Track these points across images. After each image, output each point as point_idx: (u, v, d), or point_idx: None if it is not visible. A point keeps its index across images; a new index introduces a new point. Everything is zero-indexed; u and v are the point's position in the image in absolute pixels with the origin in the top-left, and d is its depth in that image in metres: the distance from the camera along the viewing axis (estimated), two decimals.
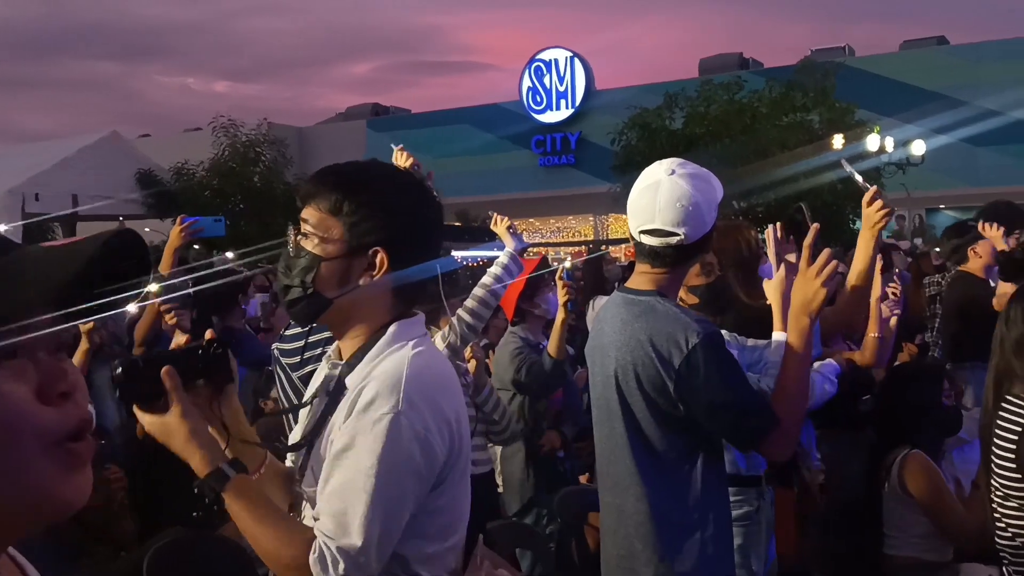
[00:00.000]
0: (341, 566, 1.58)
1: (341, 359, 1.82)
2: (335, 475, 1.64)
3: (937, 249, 9.75)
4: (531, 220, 32.54)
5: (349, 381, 1.73)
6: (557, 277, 4.34)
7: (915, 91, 27.09)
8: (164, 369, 1.63)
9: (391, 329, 1.75)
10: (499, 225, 3.85)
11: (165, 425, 1.64)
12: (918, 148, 17.42)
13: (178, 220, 4.04)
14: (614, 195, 16.02)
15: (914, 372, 3.94)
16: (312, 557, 1.60)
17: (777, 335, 2.85)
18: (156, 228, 16.97)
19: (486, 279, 3.65)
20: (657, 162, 2.52)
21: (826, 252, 2.28)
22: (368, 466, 1.60)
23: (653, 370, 2.39)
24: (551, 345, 4.39)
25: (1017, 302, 2.49)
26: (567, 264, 4.45)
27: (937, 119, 23.16)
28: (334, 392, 1.77)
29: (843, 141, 15.10)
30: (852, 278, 3.26)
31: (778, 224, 3.15)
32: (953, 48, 29.84)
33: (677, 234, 2.40)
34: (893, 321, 4.38)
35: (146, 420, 1.66)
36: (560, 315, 4.35)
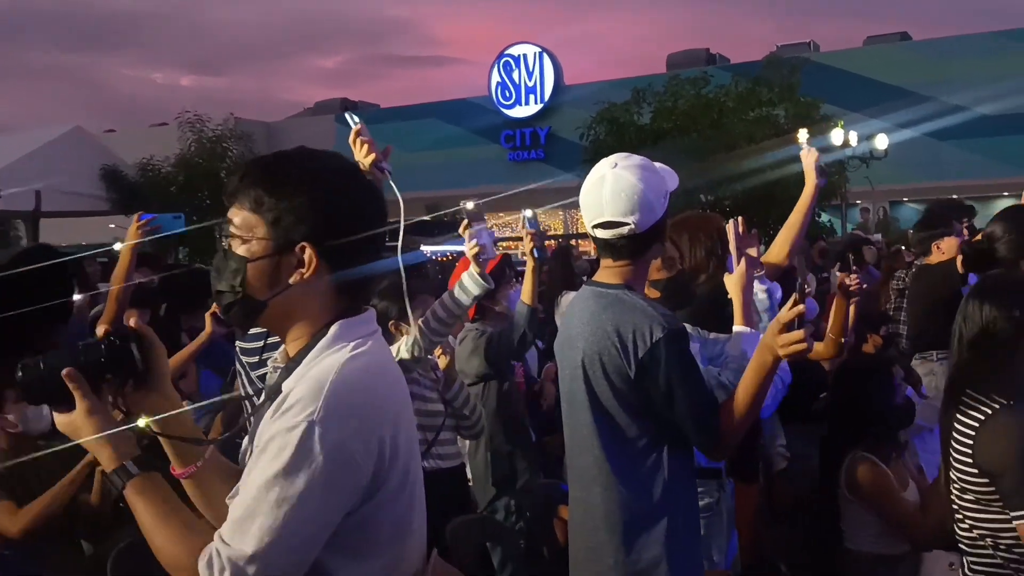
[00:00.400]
0: (227, 573, 1.49)
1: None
2: (247, 479, 1.55)
3: (903, 247, 9.89)
4: (500, 214, 32.51)
5: (286, 385, 1.61)
6: (521, 227, 4.26)
7: (879, 86, 27.35)
8: (65, 371, 1.59)
9: (332, 329, 1.64)
10: (468, 246, 3.56)
11: (72, 423, 1.61)
12: (881, 142, 17.63)
13: (135, 218, 3.99)
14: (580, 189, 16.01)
15: (864, 368, 3.98)
16: (202, 561, 1.52)
17: (737, 328, 2.89)
18: (121, 224, 16.77)
19: (448, 299, 3.57)
20: (604, 159, 2.58)
21: (799, 333, 2.28)
22: (272, 475, 1.49)
23: (619, 359, 2.44)
24: (524, 293, 4.32)
25: (973, 298, 2.52)
26: (528, 214, 4.39)
27: (901, 114, 23.40)
28: (272, 396, 1.65)
29: (808, 136, 15.21)
30: (789, 223, 3.37)
31: (739, 219, 3.19)
32: (916, 44, 30.13)
33: (627, 223, 2.47)
34: (852, 312, 4.45)
35: (57, 419, 1.64)
36: (529, 263, 4.27)
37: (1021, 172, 22.97)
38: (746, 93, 17.48)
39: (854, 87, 26.81)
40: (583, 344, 2.52)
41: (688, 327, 2.76)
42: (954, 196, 22.34)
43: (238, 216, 1.65)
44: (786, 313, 2.31)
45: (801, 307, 2.32)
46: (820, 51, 30.54)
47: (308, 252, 1.62)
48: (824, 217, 17.59)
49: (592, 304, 2.56)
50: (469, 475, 4.41)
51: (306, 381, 1.56)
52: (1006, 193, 24.18)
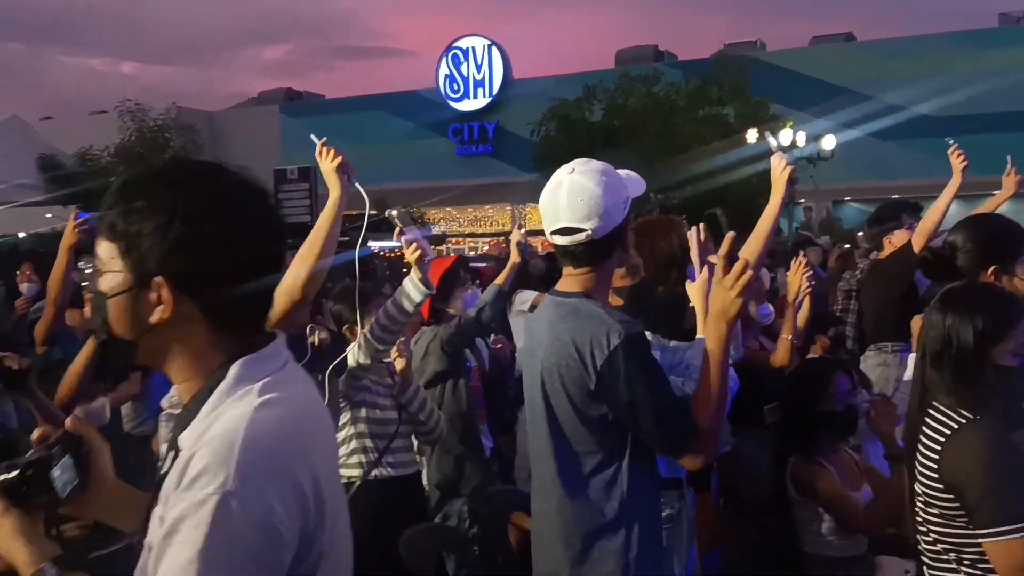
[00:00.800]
0: None
1: None
2: (160, 566, 1.31)
3: (847, 245, 10.02)
4: (448, 209, 32.43)
5: (183, 441, 1.39)
6: (514, 243, 4.47)
7: (825, 86, 27.75)
8: None
9: (232, 371, 1.41)
10: (407, 251, 3.49)
11: None
12: (829, 143, 17.90)
13: (72, 216, 3.87)
14: (533, 184, 16.10)
15: (806, 373, 3.99)
16: None
17: (700, 336, 2.85)
18: (59, 215, 16.37)
19: (391, 306, 3.50)
20: (564, 165, 2.54)
21: (741, 262, 2.28)
22: (188, 559, 1.27)
23: (576, 371, 2.39)
24: (500, 277, 4.40)
25: (936, 309, 2.50)
26: (520, 232, 4.64)
27: (846, 114, 23.81)
28: (169, 452, 1.43)
29: (757, 135, 15.50)
30: (755, 235, 3.36)
31: (701, 225, 3.15)
32: (861, 44, 30.63)
33: (584, 230, 2.42)
34: (803, 315, 4.49)
35: None
36: (514, 255, 4.47)
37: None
38: (696, 91, 17.59)
39: (800, 86, 27.18)
40: (542, 355, 2.48)
41: (648, 335, 2.71)
42: (895, 196, 22.79)
43: (101, 245, 1.45)
44: (724, 246, 2.32)
45: (732, 233, 2.36)
46: (767, 50, 30.92)
47: (163, 289, 1.38)
48: None
49: (551, 314, 2.52)
50: (425, 483, 4.33)
51: (211, 442, 1.33)
52: None
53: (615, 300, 2.97)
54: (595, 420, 2.41)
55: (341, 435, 3.80)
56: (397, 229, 3.40)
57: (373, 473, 3.75)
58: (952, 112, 25.48)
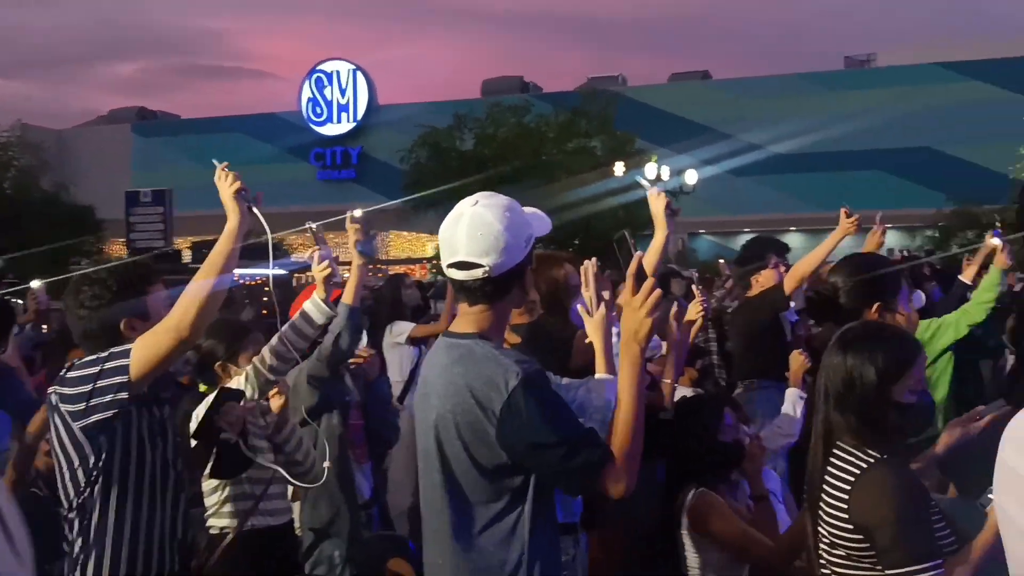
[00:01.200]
0: None
1: None
2: None
3: (707, 275, 10.26)
4: (309, 236, 31.81)
5: None
6: (348, 223, 3.89)
7: (684, 123, 28.75)
8: None
9: None
10: (317, 268, 3.37)
11: None
12: (691, 177, 18.51)
13: None
14: (398, 213, 15.99)
15: (695, 406, 3.98)
16: None
17: (600, 376, 2.76)
18: None
19: (290, 332, 3.32)
20: (470, 196, 2.44)
21: (650, 281, 2.25)
22: None
23: (473, 416, 2.28)
24: (346, 294, 3.89)
25: (835, 350, 2.50)
26: (358, 213, 4.10)
27: (703, 151, 24.72)
28: None
29: (624, 168, 15.88)
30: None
31: (594, 260, 3.09)
32: (716, 82, 31.93)
33: (480, 265, 2.31)
34: (694, 329, 4.51)
35: None
36: (355, 260, 3.92)
37: (810, 208, 24.79)
38: (565, 123, 17.92)
39: (660, 121, 28.06)
40: (436, 402, 2.36)
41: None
42: (746, 230, 23.73)
43: None
44: (633, 265, 2.30)
45: (640, 253, 2.39)
46: (628, 85, 31.84)
47: None
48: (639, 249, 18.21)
49: (444, 357, 2.40)
50: (297, 526, 4.08)
51: None
52: (793, 228, 25.96)
53: (512, 338, 2.86)
54: (493, 468, 2.30)
55: (214, 482, 3.54)
56: (315, 246, 3.27)
57: (250, 522, 3.48)
58: (802, 150, 26.82)
